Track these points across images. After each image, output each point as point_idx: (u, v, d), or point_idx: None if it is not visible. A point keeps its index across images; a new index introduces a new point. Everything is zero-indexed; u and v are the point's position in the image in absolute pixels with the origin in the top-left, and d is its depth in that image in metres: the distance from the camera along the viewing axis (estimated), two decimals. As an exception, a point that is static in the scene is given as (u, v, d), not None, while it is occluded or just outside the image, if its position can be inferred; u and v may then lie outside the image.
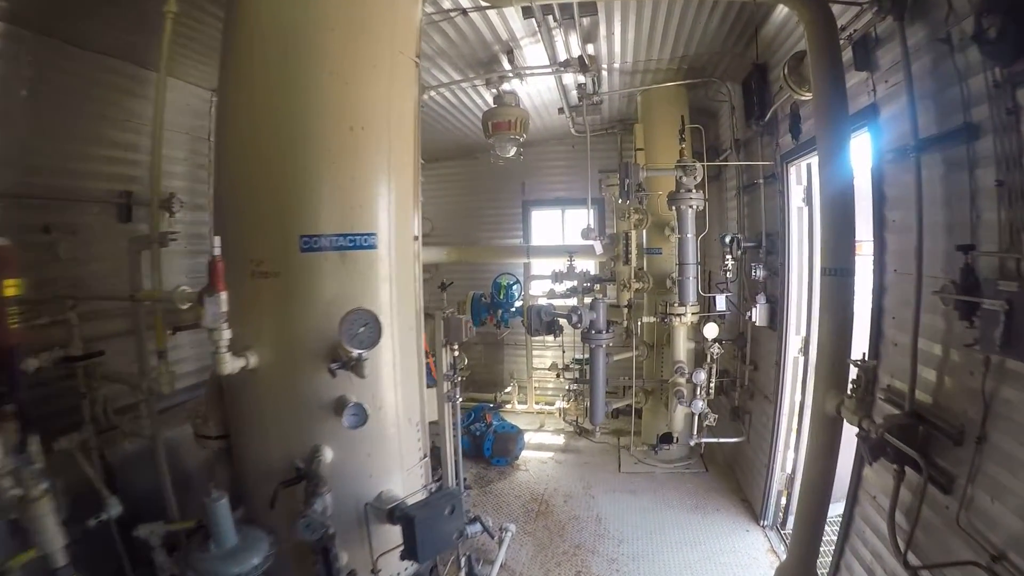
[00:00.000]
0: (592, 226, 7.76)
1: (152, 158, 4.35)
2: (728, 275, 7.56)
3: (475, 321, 10.39)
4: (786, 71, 5.21)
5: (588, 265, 10.08)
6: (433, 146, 11.44)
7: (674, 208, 7.20)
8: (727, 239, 7.48)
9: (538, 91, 8.97)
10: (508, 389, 11.42)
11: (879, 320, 4.54)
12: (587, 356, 7.70)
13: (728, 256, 7.51)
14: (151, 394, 4.70)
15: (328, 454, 3.77)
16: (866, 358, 4.16)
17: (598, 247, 8.13)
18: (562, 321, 7.27)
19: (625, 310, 8.19)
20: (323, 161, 3.82)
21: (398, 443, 4.17)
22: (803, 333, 6.77)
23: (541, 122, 10.43)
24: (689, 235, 7.15)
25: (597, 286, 8.98)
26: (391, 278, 4.14)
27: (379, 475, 4.01)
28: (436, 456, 5.60)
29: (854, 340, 4.45)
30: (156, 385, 4.54)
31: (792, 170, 6.71)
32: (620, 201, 7.68)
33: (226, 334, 3.43)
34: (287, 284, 3.79)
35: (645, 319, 8.12)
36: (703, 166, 7.19)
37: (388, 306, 4.10)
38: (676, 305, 7.56)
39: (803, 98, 5.32)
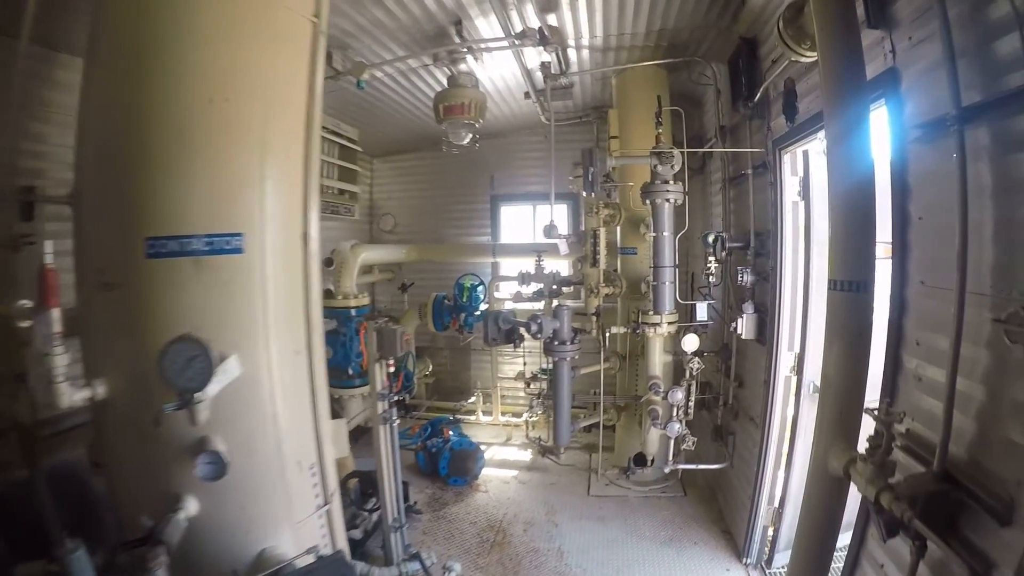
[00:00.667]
0: (555, 223, 6.68)
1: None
2: (711, 279, 6.50)
3: (437, 325, 9.38)
4: (781, 25, 4.09)
5: (559, 266, 9.04)
6: (393, 137, 10.38)
7: (648, 202, 6.12)
8: (710, 238, 6.40)
9: (501, 75, 7.88)
10: (472, 399, 10.28)
11: (897, 346, 3.46)
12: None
13: (711, 258, 6.44)
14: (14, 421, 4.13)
15: (192, 506, 3.16)
16: (887, 404, 3.06)
17: (562, 247, 7.03)
18: (524, 329, 6.22)
19: (593, 318, 7.09)
20: (173, 143, 3.10)
21: (284, 492, 3.47)
22: (796, 349, 5.70)
23: (509, 110, 9.35)
24: (666, 233, 6.07)
25: (566, 289, 7.91)
26: (266, 289, 3.29)
27: (260, 530, 3.35)
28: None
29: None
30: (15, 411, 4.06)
31: (786, 158, 5.62)
32: (585, 194, 6.58)
33: (60, 360, 2.92)
34: (131, 298, 3.13)
35: (615, 329, 7.03)
36: (682, 153, 6.08)
37: (262, 325, 3.30)
38: (650, 313, 6.47)
39: (803, 59, 4.21)
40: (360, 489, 6.85)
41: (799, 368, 5.68)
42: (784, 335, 5.80)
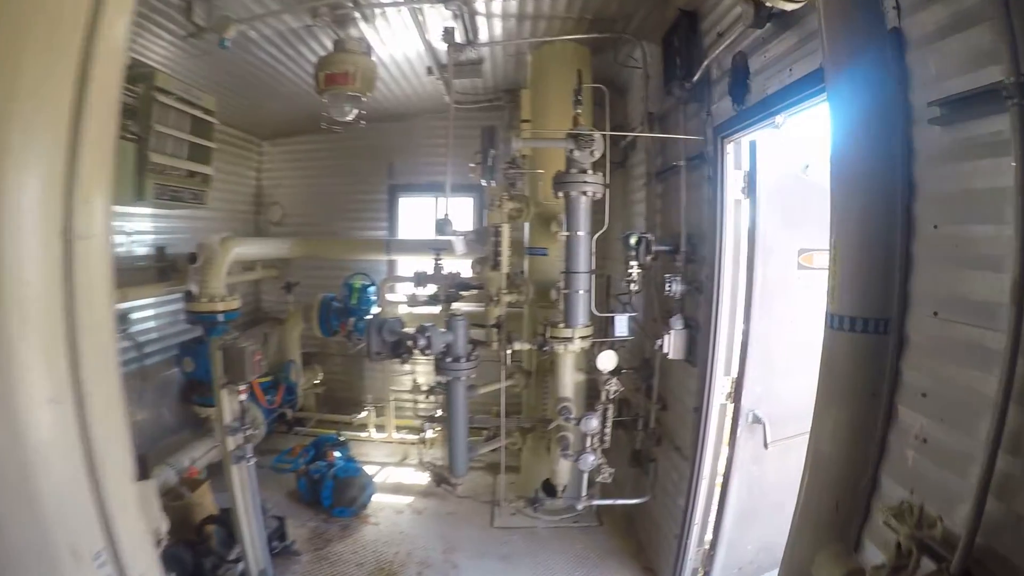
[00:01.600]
0: (450, 217, 5.49)
1: None
2: (633, 287, 5.47)
3: (324, 330, 8.20)
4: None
5: (462, 266, 7.89)
6: (283, 117, 8.92)
7: (562, 195, 5.01)
8: (632, 240, 5.36)
9: (402, 49, 6.74)
10: (363, 414, 8.91)
11: (891, 396, 2.50)
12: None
13: (633, 263, 5.40)
14: None
15: None
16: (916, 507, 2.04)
17: (458, 245, 5.81)
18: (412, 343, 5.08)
19: (494, 331, 5.91)
20: None
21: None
22: (734, 374, 4.76)
23: (411, 89, 8.10)
24: (581, 233, 4.95)
25: (466, 294, 6.73)
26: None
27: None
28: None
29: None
30: None
31: (730, 148, 4.63)
32: (485, 183, 5.37)
33: None
34: None
35: (519, 345, 5.90)
36: (604, 136, 4.99)
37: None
38: (560, 327, 5.38)
39: (787, 5, 3.19)
40: (223, 533, 5.53)
41: (736, 395, 4.72)
42: (720, 357, 4.84)
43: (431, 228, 9.27)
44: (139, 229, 7.37)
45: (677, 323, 5.25)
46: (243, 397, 5.04)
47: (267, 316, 9.75)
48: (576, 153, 4.72)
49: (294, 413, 8.45)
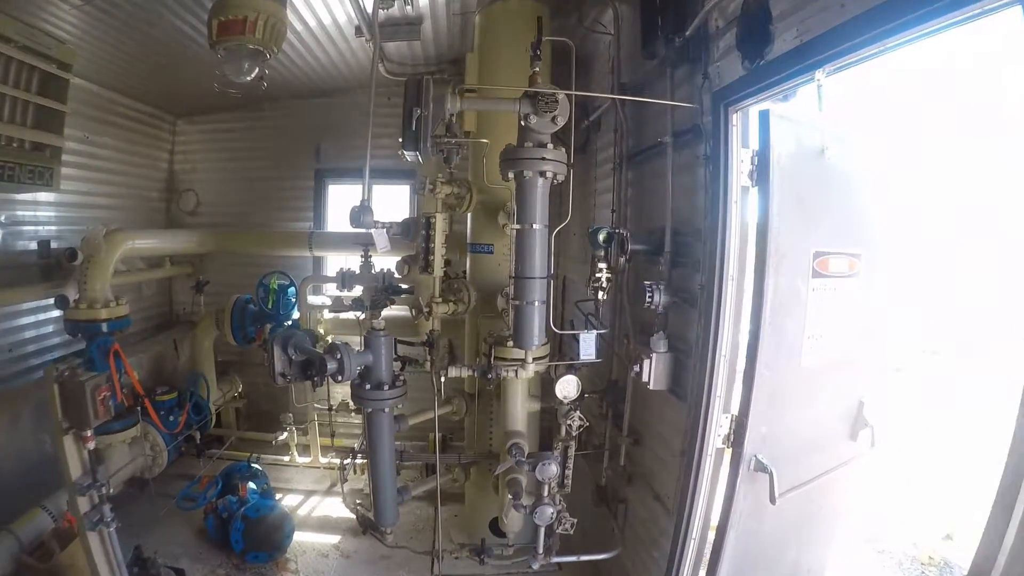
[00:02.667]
0: (368, 205, 4.09)
1: None
2: (600, 296, 4.26)
3: (238, 338, 6.82)
4: None
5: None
6: (198, 90, 7.42)
7: (512, 176, 3.70)
8: (601, 236, 4.15)
9: (327, 8, 5.42)
10: (283, 435, 7.41)
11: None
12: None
13: (602, 265, 4.20)
14: None
15: None
16: None
17: (380, 239, 4.41)
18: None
19: (425, 349, 4.55)
20: None
21: None
22: (734, 410, 3.61)
23: (340, 57, 6.73)
24: (537, 226, 3.65)
25: (395, 298, 5.43)
26: None
27: None
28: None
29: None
30: None
31: (736, 119, 3.41)
32: (409, 157, 4.02)
33: None
34: None
35: (455, 372, 4.59)
36: (568, 97, 3.63)
37: None
38: (509, 346, 4.14)
39: None
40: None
41: (737, 437, 3.58)
42: (719, 390, 3.63)
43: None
44: (17, 218, 5.92)
45: (660, 344, 4.02)
46: (90, 445, 3.71)
47: (179, 319, 8.26)
48: (533, 120, 3.42)
49: (207, 433, 7.03)
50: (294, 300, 6.85)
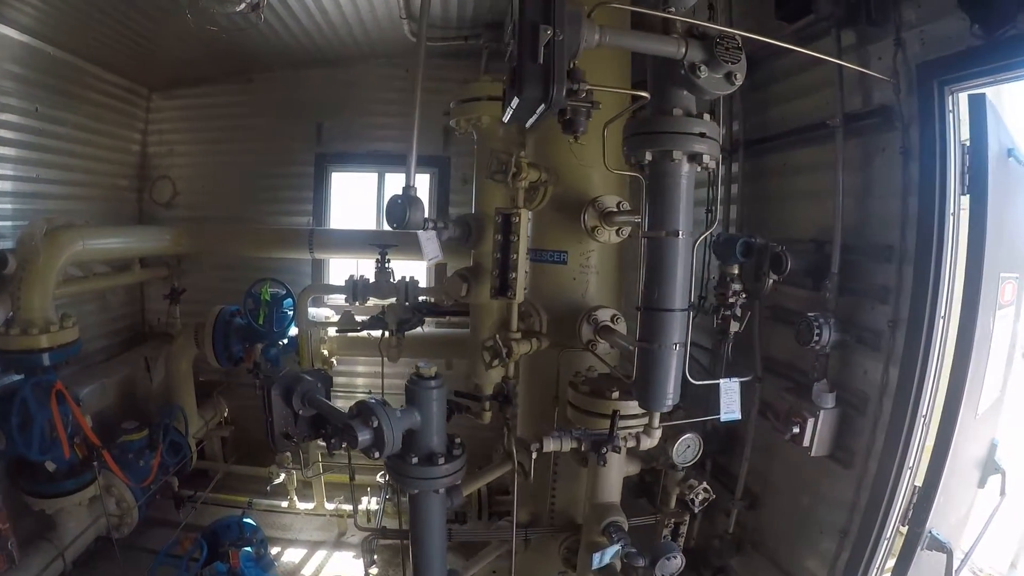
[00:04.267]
0: (415, 194, 2.86)
1: None
2: (734, 327, 3.09)
3: (222, 358, 5.62)
4: None
5: (414, 270, 5.42)
6: (179, 56, 6.21)
7: (650, 159, 2.47)
8: (740, 247, 2.99)
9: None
10: (279, 477, 5.93)
11: None
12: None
13: (736, 287, 3.04)
14: None
15: None
16: None
17: (429, 244, 3.08)
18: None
19: (492, 405, 3.26)
20: None
21: None
22: (918, 481, 2.81)
23: (355, 19, 5.46)
24: (682, 233, 2.46)
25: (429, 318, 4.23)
26: None
27: None
28: None
29: None
30: None
31: (950, 102, 2.57)
32: (513, 114, 2.77)
33: None
34: None
35: (552, 446, 3.10)
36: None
37: None
38: (614, 397, 2.87)
39: None
40: None
41: (918, 513, 2.81)
42: (914, 457, 2.77)
43: (372, 215, 6.89)
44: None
45: (826, 398, 3.03)
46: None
47: (153, 332, 6.89)
48: (703, 74, 2.15)
49: (190, 470, 5.73)
50: (290, 314, 5.55)
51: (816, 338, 2.98)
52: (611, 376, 3.15)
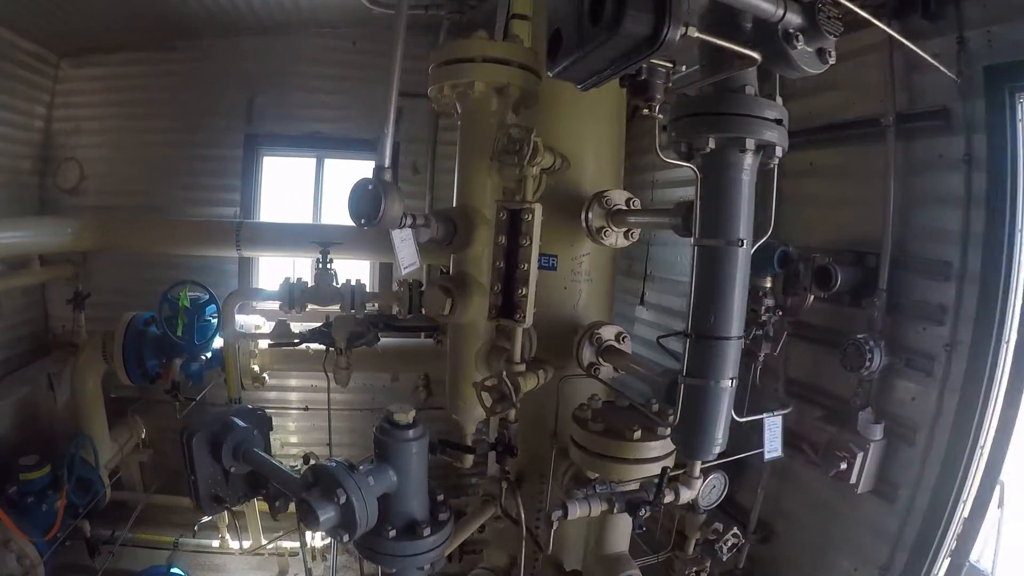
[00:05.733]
0: (388, 171, 2.03)
1: None
2: (765, 350, 2.67)
3: (134, 374, 4.76)
4: None
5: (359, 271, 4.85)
6: (94, 17, 5.28)
7: (712, 148, 1.74)
8: (778, 257, 2.59)
9: None
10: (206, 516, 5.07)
11: None
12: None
13: (769, 302, 2.64)
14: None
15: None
16: None
17: (406, 250, 2.40)
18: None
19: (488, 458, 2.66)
20: None
21: None
22: (965, 512, 2.63)
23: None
24: (744, 241, 1.95)
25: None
26: None
27: None
28: None
29: None
30: None
31: (1021, 110, 2.41)
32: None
33: None
34: None
35: (579, 511, 2.39)
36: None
37: None
38: (635, 438, 2.31)
39: None
40: None
41: (961, 545, 2.64)
42: (970, 491, 2.59)
43: (309, 206, 6.18)
44: None
45: (874, 429, 2.74)
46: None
47: (58, 342, 5.88)
48: (798, 44, 1.61)
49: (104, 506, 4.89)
50: (214, 323, 4.77)
51: (867, 363, 2.64)
52: (622, 407, 2.64)
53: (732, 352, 2.02)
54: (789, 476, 3.26)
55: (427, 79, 2.74)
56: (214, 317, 4.78)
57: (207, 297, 4.75)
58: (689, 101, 1.90)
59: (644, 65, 1.58)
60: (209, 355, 4.81)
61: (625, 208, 2.63)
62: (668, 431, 2.40)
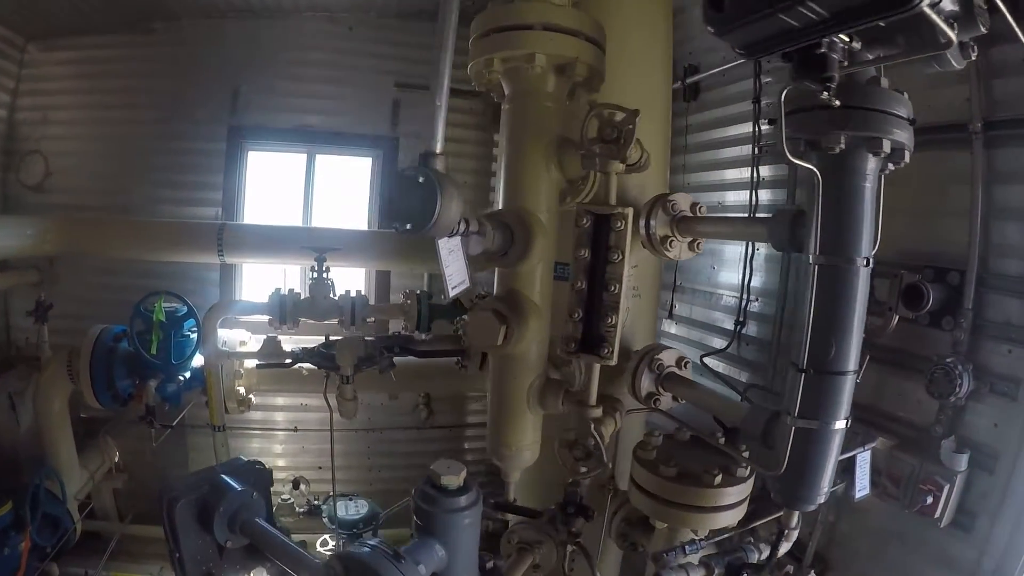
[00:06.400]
0: (444, 164, 1.82)
1: None
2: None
3: (103, 396, 4.32)
4: None
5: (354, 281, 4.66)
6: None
7: (840, 149, 1.52)
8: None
9: None
10: None
11: None
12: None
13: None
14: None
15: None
16: None
17: (455, 264, 2.13)
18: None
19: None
20: None
21: None
22: None
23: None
24: (863, 261, 1.72)
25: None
26: None
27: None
28: None
29: None
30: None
31: None
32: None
33: None
34: None
35: None
36: None
37: None
38: (715, 483, 2.02)
39: None
40: None
41: None
42: None
43: (298, 207, 5.80)
44: None
45: (958, 459, 2.60)
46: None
47: (21, 356, 5.46)
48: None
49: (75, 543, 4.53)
50: (193, 338, 4.43)
51: (957, 389, 2.51)
52: (681, 441, 2.39)
53: (848, 388, 1.82)
54: (843, 503, 3.09)
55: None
56: (193, 332, 4.41)
57: (185, 310, 4.39)
58: (812, 91, 1.65)
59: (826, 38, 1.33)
60: (188, 375, 4.44)
61: (690, 214, 2.37)
62: (748, 471, 2.18)
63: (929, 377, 2.58)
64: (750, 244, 3.65)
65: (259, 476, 2.26)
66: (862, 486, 2.48)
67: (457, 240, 2.03)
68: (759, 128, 3.63)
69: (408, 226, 1.75)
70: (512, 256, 2.19)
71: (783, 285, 3.45)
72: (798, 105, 1.66)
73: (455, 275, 2.08)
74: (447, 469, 1.72)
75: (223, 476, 2.09)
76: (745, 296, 3.70)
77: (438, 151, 1.79)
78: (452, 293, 2.09)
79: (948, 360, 2.52)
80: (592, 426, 2.03)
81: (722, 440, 2.25)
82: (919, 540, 2.85)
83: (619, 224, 1.93)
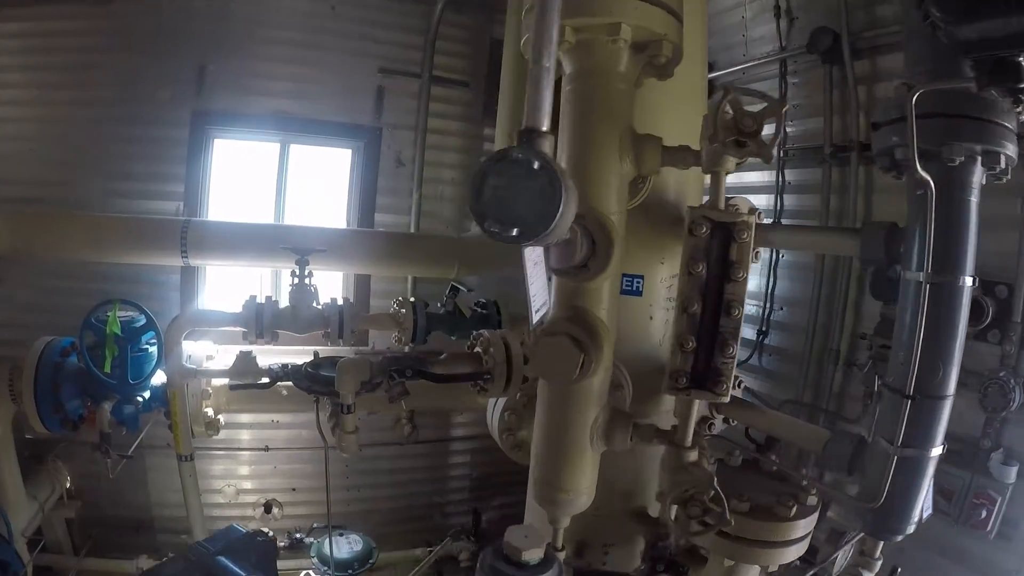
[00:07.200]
0: (549, 130, 1.35)
1: None
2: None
3: (49, 419, 3.95)
4: None
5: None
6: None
7: (958, 160, 1.53)
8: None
9: None
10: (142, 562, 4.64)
11: None
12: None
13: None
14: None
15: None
16: None
17: (538, 282, 1.91)
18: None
19: None
20: None
21: None
22: None
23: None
24: (968, 282, 1.75)
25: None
26: None
27: None
28: None
29: None
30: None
31: None
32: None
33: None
34: None
35: None
36: None
37: None
38: (792, 516, 2.05)
39: None
40: None
41: None
42: None
43: (270, 202, 5.62)
44: None
45: (1006, 471, 2.87)
46: None
47: None
48: None
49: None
50: (153, 352, 4.13)
51: (1011, 403, 2.77)
52: (733, 467, 2.35)
53: (947, 413, 1.81)
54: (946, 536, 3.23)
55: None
56: (152, 345, 4.09)
57: (144, 320, 4.06)
58: (931, 98, 1.62)
59: None
60: (147, 395, 4.13)
61: (761, 223, 2.32)
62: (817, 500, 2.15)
63: (983, 392, 2.73)
64: (774, 250, 3.65)
65: (264, 551, 2.04)
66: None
67: (540, 251, 1.76)
68: (784, 131, 3.66)
69: (516, 232, 1.29)
70: (593, 268, 1.87)
71: (816, 293, 3.48)
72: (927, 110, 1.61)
73: (539, 294, 1.80)
74: (527, 540, 1.58)
75: (219, 559, 1.86)
76: (768, 305, 3.72)
77: (545, 128, 1.36)
78: (536, 317, 1.82)
79: (1001, 374, 2.68)
80: (714, 480, 1.87)
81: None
82: (964, 551, 3.06)
83: (744, 235, 1.75)
